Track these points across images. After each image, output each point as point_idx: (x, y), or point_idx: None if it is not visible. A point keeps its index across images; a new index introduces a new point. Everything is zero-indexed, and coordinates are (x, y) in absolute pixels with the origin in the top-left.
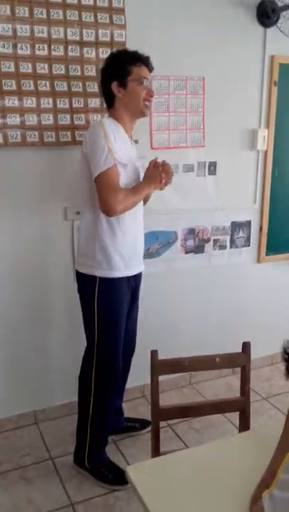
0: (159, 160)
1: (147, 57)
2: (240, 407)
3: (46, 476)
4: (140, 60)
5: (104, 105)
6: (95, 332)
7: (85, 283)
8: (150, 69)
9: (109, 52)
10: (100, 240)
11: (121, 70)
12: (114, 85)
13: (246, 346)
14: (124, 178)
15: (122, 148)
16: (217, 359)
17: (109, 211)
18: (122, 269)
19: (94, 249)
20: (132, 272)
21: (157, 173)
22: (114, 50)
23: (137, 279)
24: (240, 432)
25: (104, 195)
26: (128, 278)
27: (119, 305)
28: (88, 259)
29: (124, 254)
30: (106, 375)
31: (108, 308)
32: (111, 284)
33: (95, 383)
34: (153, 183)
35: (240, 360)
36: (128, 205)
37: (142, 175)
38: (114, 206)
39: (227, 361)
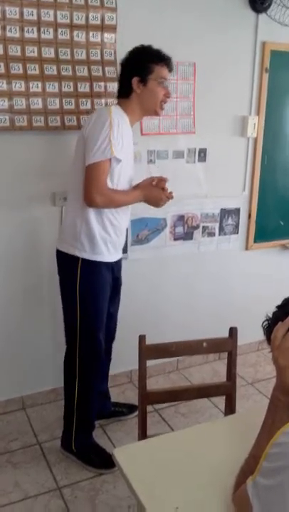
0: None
1: (170, 58)
2: (227, 391)
3: (33, 461)
4: (163, 60)
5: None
6: (77, 314)
7: (67, 263)
8: (170, 70)
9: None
10: (88, 223)
11: (144, 66)
12: (134, 81)
13: (233, 331)
14: (116, 172)
15: (124, 142)
16: (204, 344)
17: (90, 202)
18: (104, 254)
19: (80, 230)
20: (112, 258)
21: (159, 198)
22: (139, 45)
23: (117, 264)
24: (225, 415)
25: (89, 186)
26: (109, 262)
27: (101, 287)
28: (71, 239)
29: (109, 241)
30: (89, 357)
31: (90, 289)
32: (93, 266)
33: (79, 366)
34: (151, 203)
35: (227, 345)
36: (113, 203)
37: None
38: (96, 199)
39: (214, 346)
